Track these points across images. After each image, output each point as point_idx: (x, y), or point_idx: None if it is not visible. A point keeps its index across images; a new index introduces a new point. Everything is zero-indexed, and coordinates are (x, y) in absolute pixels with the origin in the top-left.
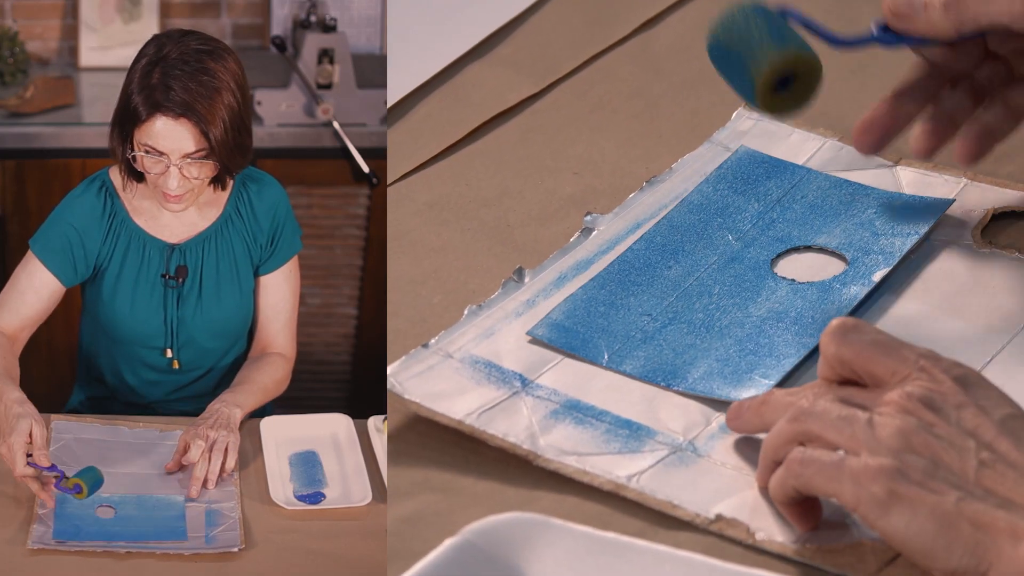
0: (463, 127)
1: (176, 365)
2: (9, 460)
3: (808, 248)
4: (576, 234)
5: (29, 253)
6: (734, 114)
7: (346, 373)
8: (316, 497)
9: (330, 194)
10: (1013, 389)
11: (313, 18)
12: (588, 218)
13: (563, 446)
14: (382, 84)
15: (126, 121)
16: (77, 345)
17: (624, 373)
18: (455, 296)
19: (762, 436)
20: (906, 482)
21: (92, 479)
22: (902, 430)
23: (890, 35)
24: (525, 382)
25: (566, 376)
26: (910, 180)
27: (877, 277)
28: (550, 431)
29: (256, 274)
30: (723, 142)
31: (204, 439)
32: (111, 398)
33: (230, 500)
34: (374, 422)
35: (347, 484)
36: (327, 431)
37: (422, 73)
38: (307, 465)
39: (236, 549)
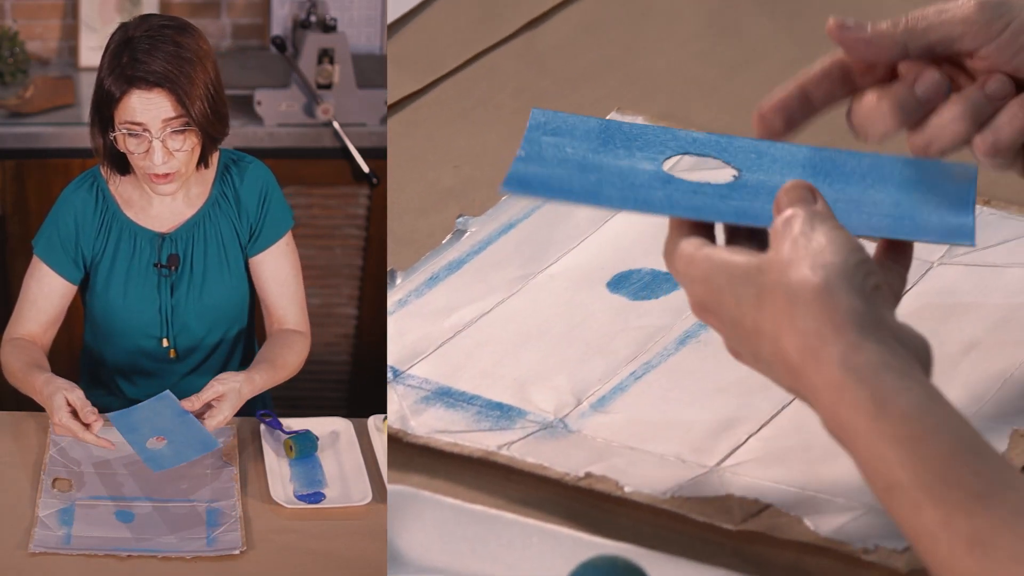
0: None
1: (173, 354)
2: (73, 433)
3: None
4: (448, 236)
5: (35, 258)
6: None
7: (346, 373)
8: (316, 497)
9: (330, 194)
10: None
11: (313, 18)
12: (460, 220)
13: (434, 426)
14: (382, 84)
15: (103, 106)
16: (80, 346)
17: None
18: None
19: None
20: None
21: (305, 444)
22: None
23: None
24: (396, 373)
25: (438, 367)
26: None
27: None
28: (421, 414)
29: (249, 255)
30: None
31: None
32: (112, 395)
33: (230, 498)
34: (374, 422)
35: (347, 484)
36: (326, 431)
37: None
38: (307, 465)
39: (237, 551)
